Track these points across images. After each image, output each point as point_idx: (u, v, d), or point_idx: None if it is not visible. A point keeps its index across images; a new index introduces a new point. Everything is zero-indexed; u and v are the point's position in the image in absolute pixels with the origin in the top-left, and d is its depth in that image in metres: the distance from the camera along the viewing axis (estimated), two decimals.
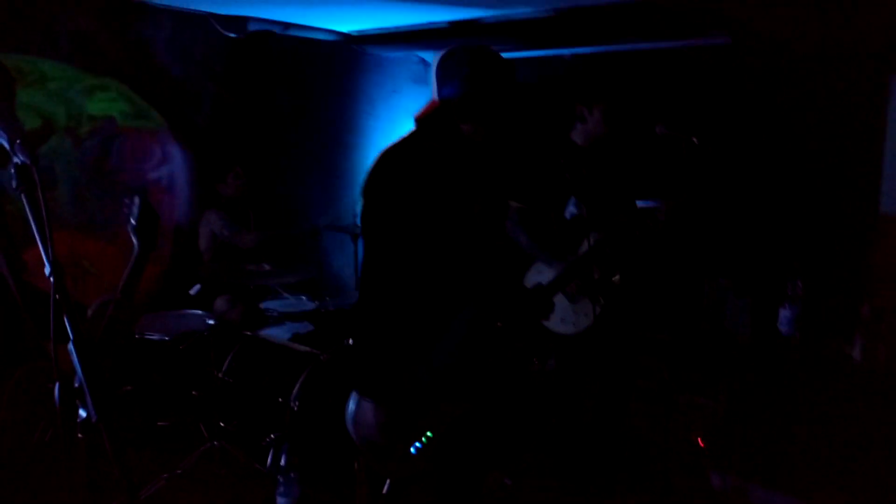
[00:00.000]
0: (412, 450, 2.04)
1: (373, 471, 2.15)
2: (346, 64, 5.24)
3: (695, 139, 2.84)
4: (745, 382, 3.62)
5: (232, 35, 4.48)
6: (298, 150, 4.98)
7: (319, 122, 5.09)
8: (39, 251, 1.33)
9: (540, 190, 3.27)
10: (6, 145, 1.40)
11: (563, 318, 3.21)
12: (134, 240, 1.87)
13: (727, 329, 4.32)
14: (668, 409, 3.53)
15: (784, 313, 3.46)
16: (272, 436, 3.16)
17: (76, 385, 1.28)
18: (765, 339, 3.72)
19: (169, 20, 4.21)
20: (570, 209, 3.26)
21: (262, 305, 3.94)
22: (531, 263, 3.34)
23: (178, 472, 3.14)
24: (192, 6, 4.22)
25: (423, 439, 2.04)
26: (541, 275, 3.25)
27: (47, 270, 1.30)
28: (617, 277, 3.29)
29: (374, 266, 2.04)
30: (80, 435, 1.29)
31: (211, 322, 3.58)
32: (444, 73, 2.13)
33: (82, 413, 1.28)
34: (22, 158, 1.35)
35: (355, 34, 4.99)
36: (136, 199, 1.89)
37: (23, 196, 1.34)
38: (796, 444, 3.27)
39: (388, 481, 2.14)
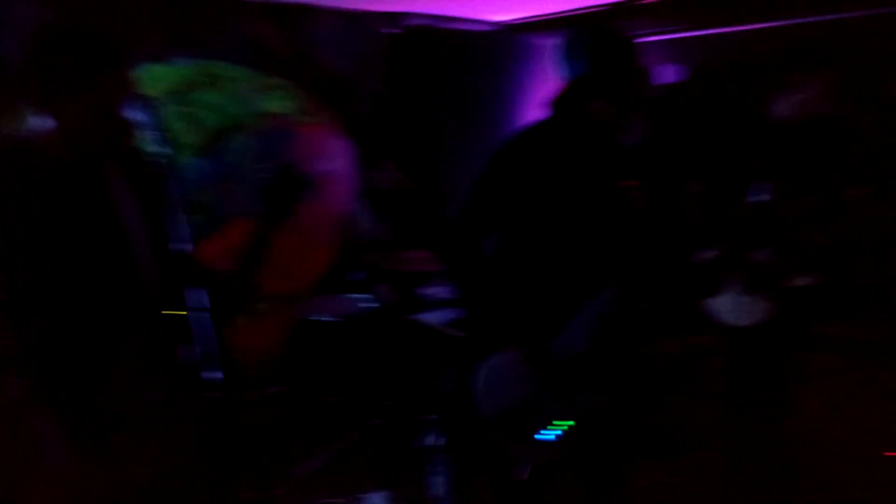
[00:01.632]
0: (551, 435, 2.03)
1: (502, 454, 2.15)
2: (505, 53, 5.27)
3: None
4: None
5: (391, 31, 4.65)
6: (458, 141, 5.07)
7: (478, 114, 5.16)
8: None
9: (724, 175, 3.13)
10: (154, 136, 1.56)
11: (733, 308, 3.05)
12: (262, 205, 1.99)
13: None
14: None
15: None
16: (429, 416, 3.27)
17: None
18: None
19: (331, 20, 4.44)
20: (756, 195, 3.05)
21: (422, 291, 4.07)
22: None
23: (339, 446, 3.34)
24: (353, 5, 4.44)
25: (565, 426, 2.03)
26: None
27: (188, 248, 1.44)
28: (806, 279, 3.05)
29: (503, 245, 2.06)
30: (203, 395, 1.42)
31: (372, 306, 3.75)
32: (570, 53, 2.12)
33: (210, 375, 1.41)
34: (166, 149, 1.51)
35: (513, 23, 5.02)
36: (275, 166, 1.99)
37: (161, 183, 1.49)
38: None
39: (525, 467, 2.14)
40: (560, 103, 2.14)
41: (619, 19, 4.39)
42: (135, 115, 1.61)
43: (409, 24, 4.72)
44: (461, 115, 5.07)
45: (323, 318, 3.67)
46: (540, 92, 2.28)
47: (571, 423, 2.02)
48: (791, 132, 2.99)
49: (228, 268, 1.44)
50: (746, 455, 3.26)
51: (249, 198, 4.02)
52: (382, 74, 4.70)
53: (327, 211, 4.35)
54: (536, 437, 2.03)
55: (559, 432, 2.03)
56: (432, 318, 3.82)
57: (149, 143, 1.60)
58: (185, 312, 1.55)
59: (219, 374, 1.50)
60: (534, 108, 2.27)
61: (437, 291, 4.05)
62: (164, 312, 1.78)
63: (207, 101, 4.04)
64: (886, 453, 3.37)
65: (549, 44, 5.28)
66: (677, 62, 4.87)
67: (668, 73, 4.79)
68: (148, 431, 1.80)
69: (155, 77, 3.88)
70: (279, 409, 3.83)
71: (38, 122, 1.67)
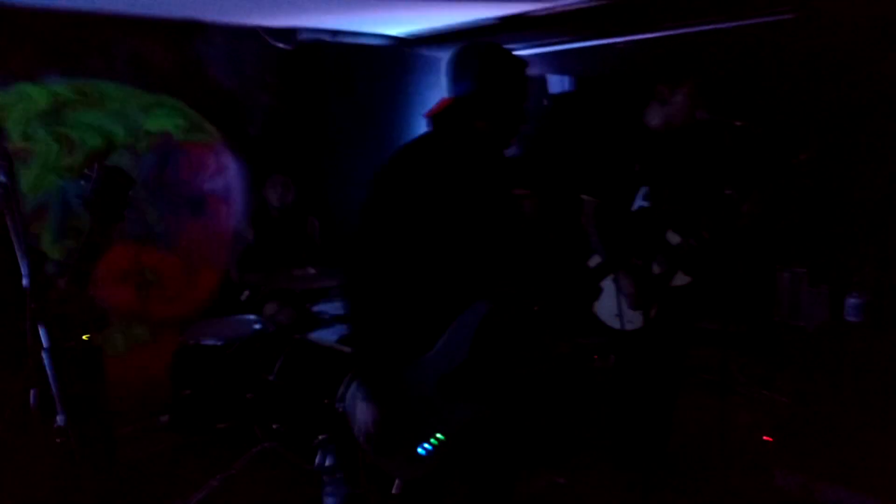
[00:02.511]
0: (420, 451, 2.01)
1: (378, 468, 2.12)
2: (398, 67, 5.28)
3: (737, 123, 2.70)
4: (813, 375, 3.42)
5: (282, 46, 4.59)
6: (351, 155, 5.04)
7: (373, 126, 5.15)
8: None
9: (612, 182, 3.18)
10: None
11: (618, 313, 3.11)
12: (89, 213, 1.90)
13: (800, 319, 4.12)
14: (731, 404, 3.37)
15: (851, 301, 3.25)
16: (320, 437, 3.20)
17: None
18: (832, 329, 3.51)
19: (221, 36, 4.35)
20: (639, 202, 3.14)
21: (313, 308, 4.01)
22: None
23: (233, 472, 3.23)
24: (243, 21, 4.36)
25: (434, 441, 2.01)
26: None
27: (25, 282, 1.36)
28: (682, 280, 3.15)
29: (374, 260, 2.02)
30: (56, 439, 1.34)
31: (258, 327, 3.66)
32: (457, 71, 2.11)
33: (59, 419, 1.33)
34: (4, 179, 1.42)
35: (405, 37, 5.02)
36: (95, 169, 1.90)
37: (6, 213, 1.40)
38: (867, 438, 3.05)
39: (397, 481, 2.11)
40: (444, 119, 2.13)
41: (509, 32, 4.47)
42: None
43: (300, 38, 4.67)
44: (353, 129, 5.04)
45: (208, 342, 3.56)
46: (431, 105, 2.26)
47: (442, 437, 2.00)
48: (666, 139, 3.08)
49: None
50: (637, 451, 3.34)
51: (127, 219, 3.87)
52: (273, 90, 4.63)
53: (211, 231, 4.24)
54: (417, 451, 2.01)
55: (428, 446, 2.01)
56: (323, 335, 3.76)
57: None
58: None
59: (62, 417, 1.40)
60: (424, 122, 2.24)
61: (328, 308, 4.01)
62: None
63: (83, 120, 3.89)
64: (765, 437, 3.51)
65: (442, 57, 5.37)
66: (564, 72, 4.98)
67: (555, 84, 4.89)
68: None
69: (25, 97, 3.71)
70: (167, 438, 3.71)
71: None
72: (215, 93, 4.37)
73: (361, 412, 2.01)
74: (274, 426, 3.40)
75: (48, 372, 1.33)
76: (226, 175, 4.40)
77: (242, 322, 3.80)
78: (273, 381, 3.43)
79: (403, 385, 2.02)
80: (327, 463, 3.12)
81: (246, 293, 3.89)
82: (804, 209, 4.07)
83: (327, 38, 4.77)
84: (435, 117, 2.15)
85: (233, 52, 4.45)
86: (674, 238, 3.07)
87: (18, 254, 1.38)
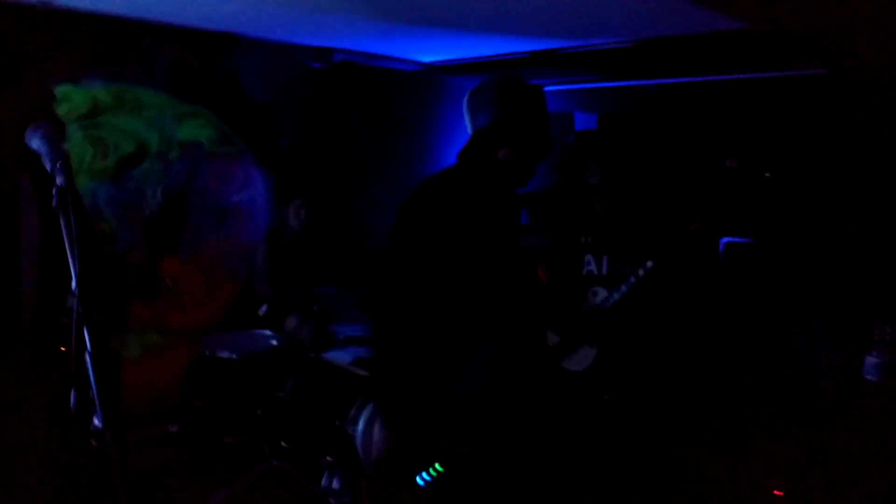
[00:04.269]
0: (419, 480, 2.01)
1: (377, 494, 2.12)
2: (428, 93, 5.33)
3: (767, 174, 2.71)
4: (826, 428, 3.39)
5: (317, 65, 4.65)
6: (377, 179, 5.08)
7: (399, 150, 5.18)
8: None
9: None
10: (48, 167, 1.49)
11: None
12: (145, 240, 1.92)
13: (816, 373, 4.09)
14: (743, 455, 3.34)
15: (870, 360, 3.22)
16: (328, 458, 3.19)
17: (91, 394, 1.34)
18: (850, 386, 3.48)
19: (257, 50, 4.41)
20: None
21: (330, 328, 4.01)
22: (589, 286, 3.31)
23: (238, 487, 3.22)
24: (282, 38, 4.42)
25: (432, 471, 2.01)
26: (596, 297, 3.20)
27: (73, 285, 1.37)
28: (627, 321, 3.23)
29: (399, 288, 2.03)
30: (93, 443, 1.34)
31: (275, 343, 3.67)
32: (476, 105, 2.15)
33: (96, 422, 1.34)
34: (61, 181, 1.44)
35: (437, 64, 5.08)
36: (159, 205, 1.91)
37: (60, 215, 1.41)
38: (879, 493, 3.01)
39: None
40: (467, 152, 2.15)
41: (539, 66, 4.51)
42: (33, 140, 1.52)
43: (335, 59, 4.73)
44: (380, 152, 5.08)
45: (223, 355, 3.57)
46: (459, 133, 2.30)
47: (439, 467, 2.00)
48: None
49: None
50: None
51: (151, 226, 3.92)
52: (304, 108, 4.68)
53: (234, 243, 4.26)
54: (416, 480, 2.01)
55: (427, 476, 2.00)
56: (338, 355, 3.76)
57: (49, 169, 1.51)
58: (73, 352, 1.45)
59: (99, 421, 1.40)
60: (451, 150, 2.27)
61: (346, 329, 4.00)
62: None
63: (119, 125, 3.94)
64: (776, 492, 3.46)
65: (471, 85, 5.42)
66: (589, 110, 5.01)
67: (580, 121, 4.91)
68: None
69: (66, 99, 3.77)
70: (176, 448, 3.70)
71: None
72: (247, 106, 4.42)
73: (377, 438, 2.01)
74: (282, 444, 3.39)
75: (90, 374, 1.34)
76: (252, 188, 4.43)
77: (259, 337, 3.81)
78: (284, 398, 3.43)
79: (419, 414, 2.02)
80: (334, 485, 3.11)
81: (264, 308, 3.89)
82: (825, 263, 4.05)
83: (360, 59, 4.83)
84: (460, 152, 2.18)
85: (267, 66, 4.50)
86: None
87: (70, 257, 1.39)
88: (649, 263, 2.87)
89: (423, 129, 5.34)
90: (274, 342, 3.71)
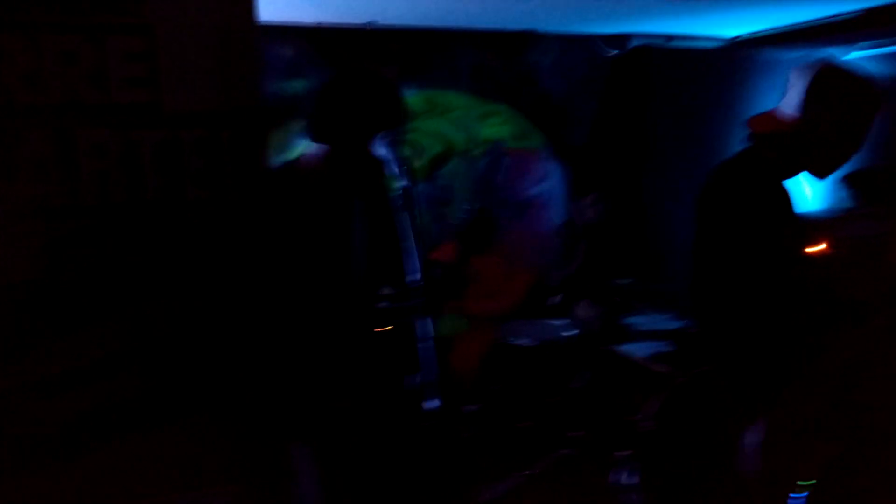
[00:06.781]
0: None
1: None
2: (733, 71, 4.96)
3: None
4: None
5: (613, 53, 4.61)
6: (675, 166, 4.87)
7: (699, 135, 4.91)
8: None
9: None
10: (395, 171, 1.70)
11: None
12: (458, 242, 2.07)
13: None
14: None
15: None
16: (623, 453, 3.18)
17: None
18: None
19: (554, 45, 4.51)
20: None
21: (626, 321, 3.97)
22: None
23: (528, 472, 3.36)
24: (576, 30, 4.46)
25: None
26: None
27: (417, 277, 1.55)
28: None
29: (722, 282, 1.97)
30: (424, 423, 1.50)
31: (568, 333, 3.75)
32: (791, 85, 1.95)
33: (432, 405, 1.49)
34: (406, 182, 1.63)
35: (743, 38, 4.72)
36: (471, 211, 2.07)
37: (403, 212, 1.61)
38: None
39: None
40: (770, 140, 1.99)
41: (861, 29, 3.97)
42: (382, 150, 1.73)
43: (631, 44, 4.64)
44: (679, 138, 4.86)
45: (520, 342, 3.73)
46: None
47: None
48: None
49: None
50: None
51: (459, 222, 4.22)
52: (600, 97, 4.67)
53: (531, 234, 4.42)
54: None
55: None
56: (635, 350, 3.71)
57: (394, 176, 1.72)
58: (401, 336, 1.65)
59: (437, 403, 1.56)
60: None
61: (643, 322, 3.93)
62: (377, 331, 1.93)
63: (430, 128, 4.31)
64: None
65: (779, 59, 4.94)
66: None
67: None
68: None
69: None
70: (472, 428, 3.97)
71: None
72: (544, 101, 4.54)
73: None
74: (574, 434, 3.46)
75: (431, 360, 1.50)
76: (549, 181, 4.56)
77: (553, 327, 3.92)
78: (578, 388, 3.50)
79: None
80: (626, 480, 3.09)
81: (558, 297, 4.00)
82: None
83: (658, 42, 4.67)
84: (760, 136, 2.01)
85: (564, 59, 4.58)
86: None
87: (414, 252, 1.58)
88: None
89: (726, 109, 4.99)
90: (567, 333, 3.79)
